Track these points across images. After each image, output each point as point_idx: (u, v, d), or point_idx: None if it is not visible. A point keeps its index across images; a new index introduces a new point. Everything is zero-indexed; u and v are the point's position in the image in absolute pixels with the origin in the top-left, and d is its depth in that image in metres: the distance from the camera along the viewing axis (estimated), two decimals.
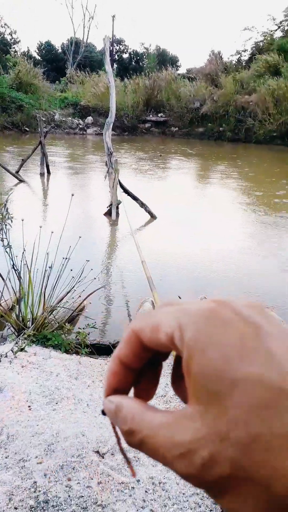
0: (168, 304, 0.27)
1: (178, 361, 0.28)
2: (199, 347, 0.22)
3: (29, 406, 1.95)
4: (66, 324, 2.83)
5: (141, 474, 1.64)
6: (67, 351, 2.63)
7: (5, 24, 36.82)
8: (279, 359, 0.21)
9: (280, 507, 0.20)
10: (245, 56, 27.84)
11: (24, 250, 2.59)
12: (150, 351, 0.27)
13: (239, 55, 27.93)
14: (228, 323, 0.23)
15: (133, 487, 1.57)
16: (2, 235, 2.41)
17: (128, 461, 0.30)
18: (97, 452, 1.72)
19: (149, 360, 0.28)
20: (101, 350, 2.90)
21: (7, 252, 2.47)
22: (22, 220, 2.55)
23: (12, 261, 2.50)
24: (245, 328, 0.23)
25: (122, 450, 0.30)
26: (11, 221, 2.49)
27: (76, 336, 2.81)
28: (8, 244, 2.43)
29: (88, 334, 2.86)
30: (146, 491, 1.56)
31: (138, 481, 1.60)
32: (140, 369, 0.29)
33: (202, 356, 0.22)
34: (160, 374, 0.30)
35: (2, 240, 2.42)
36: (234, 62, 26.74)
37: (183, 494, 1.58)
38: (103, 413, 0.28)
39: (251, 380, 0.21)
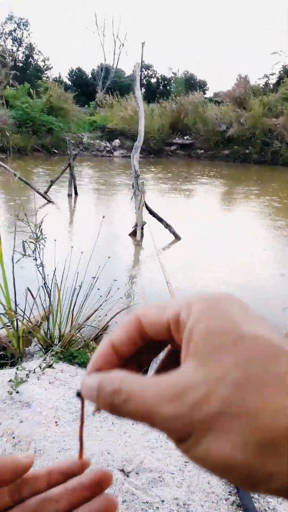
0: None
1: (168, 356, 0.30)
2: (207, 313, 0.24)
3: (56, 422, 2.00)
4: (92, 342, 2.88)
5: (165, 495, 1.65)
6: None
7: (39, 51, 38.48)
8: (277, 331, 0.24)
9: (263, 440, 0.20)
10: (273, 80, 28.11)
11: (55, 269, 2.68)
12: (145, 339, 0.28)
13: (266, 79, 28.23)
14: (234, 303, 0.25)
15: (158, 507, 1.58)
16: (36, 254, 2.51)
17: (81, 445, 0.32)
18: (122, 470, 1.74)
19: (137, 356, 0.30)
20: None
21: (39, 271, 2.56)
22: (55, 240, 2.65)
23: (44, 279, 2.59)
24: (248, 307, 0.26)
25: (81, 435, 0.32)
26: (44, 241, 2.59)
27: None
28: (41, 263, 2.52)
29: None
30: (170, 511, 1.57)
31: (163, 501, 1.61)
32: (126, 361, 0.29)
33: (210, 319, 0.24)
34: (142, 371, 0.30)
35: (35, 260, 2.52)
36: (261, 85, 27.01)
37: (208, 483, 1.58)
38: (78, 395, 0.29)
39: (253, 336, 0.23)
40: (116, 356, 0.29)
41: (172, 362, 0.30)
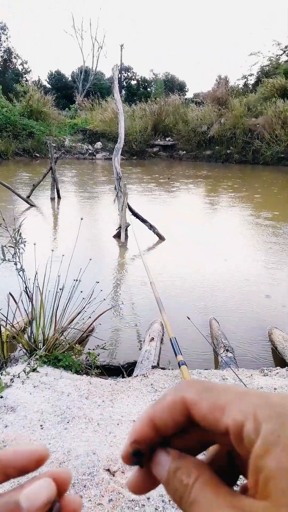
0: (236, 385, 0.25)
1: (222, 456, 0.27)
2: (282, 442, 0.21)
3: (41, 425, 2.00)
4: (76, 345, 2.88)
5: (151, 492, 1.66)
6: (77, 372, 2.68)
7: (17, 55, 38.18)
8: None
9: None
10: (251, 80, 28.50)
11: (36, 273, 2.68)
12: (195, 425, 0.25)
13: (245, 79, 28.59)
14: None
15: (144, 505, 1.60)
16: (16, 259, 2.50)
17: None
18: (108, 470, 1.75)
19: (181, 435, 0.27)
20: (111, 370, 2.94)
21: (20, 275, 2.55)
22: (34, 244, 2.65)
23: (25, 284, 2.59)
24: None
25: None
26: (24, 245, 2.58)
27: (86, 357, 2.86)
28: (21, 268, 2.52)
29: (98, 355, 2.91)
30: (156, 509, 1.59)
31: (148, 498, 1.63)
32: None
33: (285, 452, 0.21)
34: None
35: (16, 264, 2.51)
36: (240, 86, 27.34)
37: None
38: (135, 462, 0.27)
39: None
40: (156, 433, 0.27)
41: (224, 459, 0.27)
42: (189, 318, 3.24)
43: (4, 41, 36.91)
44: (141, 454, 0.27)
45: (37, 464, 0.28)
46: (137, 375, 2.64)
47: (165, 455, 0.26)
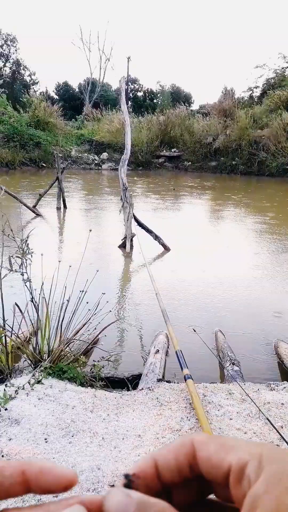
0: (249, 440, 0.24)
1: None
2: (283, 484, 0.21)
3: (45, 439, 1.97)
4: (81, 356, 2.86)
5: None
6: (82, 384, 2.65)
7: (25, 67, 38.75)
8: None
9: None
10: (257, 93, 28.68)
11: (43, 283, 2.67)
12: (194, 473, 0.25)
13: (251, 92, 28.79)
14: None
15: None
16: (23, 269, 2.50)
17: None
18: (113, 486, 1.72)
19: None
20: (116, 383, 2.91)
21: (26, 286, 2.55)
22: (42, 254, 2.65)
23: (31, 294, 2.58)
24: None
25: None
26: (31, 256, 2.58)
27: (91, 369, 2.84)
28: (28, 278, 2.52)
29: (103, 367, 2.89)
30: None
31: None
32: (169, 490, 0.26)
33: (284, 493, 0.20)
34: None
35: (23, 275, 2.51)
36: (246, 98, 27.52)
37: None
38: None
39: None
40: (158, 480, 0.25)
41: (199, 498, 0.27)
42: (195, 331, 3.22)
43: (13, 53, 37.51)
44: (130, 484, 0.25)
45: (64, 489, 0.26)
46: (142, 388, 2.61)
47: (126, 493, 0.23)
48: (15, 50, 37.59)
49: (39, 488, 0.26)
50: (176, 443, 0.25)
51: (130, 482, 0.25)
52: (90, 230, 3.22)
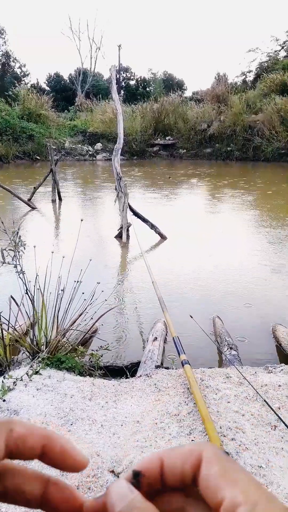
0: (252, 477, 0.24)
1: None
2: None
3: (44, 428, 1.99)
4: (79, 346, 2.88)
5: None
6: (80, 374, 2.67)
7: (15, 59, 38.27)
8: None
9: None
10: (250, 77, 28.46)
11: (37, 275, 2.67)
12: (195, 485, 0.25)
13: (244, 76, 28.55)
14: None
15: None
16: (16, 261, 2.50)
17: None
18: (112, 471, 1.74)
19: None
20: (114, 371, 2.93)
21: (20, 278, 2.55)
22: (34, 246, 2.64)
23: (26, 286, 2.58)
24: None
25: None
26: (24, 248, 2.58)
27: (90, 358, 2.85)
28: (21, 270, 2.51)
29: (101, 356, 2.90)
30: None
31: None
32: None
33: None
34: None
35: (16, 267, 2.51)
36: (239, 83, 27.30)
37: None
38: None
39: None
40: (160, 481, 0.26)
41: None
42: (192, 317, 3.23)
43: (2, 45, 37.02)
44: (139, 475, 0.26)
45: (73, 472, 0.28)
46: (140, 375, 2.63)
47: (131, 490, 0.24)
48: (4, 42, 37.11)
49: (52, 464, 0.28)
50: (185, 450, 0.25)
51: (137, 482, 0.25)
52: (82, 220, 3.21)
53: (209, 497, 0.23)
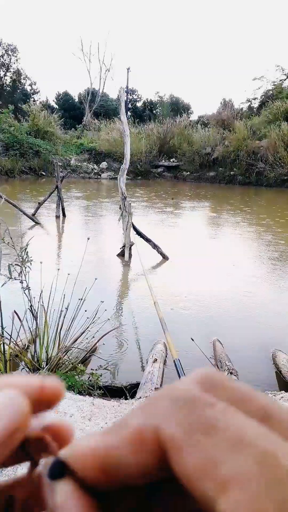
0: (242, 423, 0.17)
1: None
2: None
3: None
4: (79, 365, 2.87)
5: None
6: (80, 392, 2.65)
7: (26, 77, 39.08)
8: None
9: None
10: (255, 104, 29.00)
11: (42, 291, 2.69)
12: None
13: (249, 103, 29.10)
14: None
15: None
16: (22, 277, 2.52)
17: None
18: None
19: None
20: (114, 391, 2.91)
21: (25, 294, 2.56)
22: (41, 263, 2.67)
23: (30, 302, 2.59)
24: None
25: None
26: (30, 264, 2.60)
27: (89, 377, 2.84)
28: (27, 286, 2.53)
29: (101, 376, 2.89)
30: None
31: None
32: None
33: None
34: None
35: (22, 283, 2.52)
36: (244, 109, 27.81)
37: None
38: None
39: None
40: (105, 477, 0.18)
41: None
42: (193, 340, 3.22)
43: (14, 63, 37.85)
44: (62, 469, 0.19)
45: (49, 400, 0.22)
46: (140, 397, 2.61)
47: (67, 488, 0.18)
48: (16, 60, 37.94)
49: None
50: (132, 432, 0.18)
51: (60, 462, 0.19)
52: (88, 238, 3.24)
53: (199, 500, 0.16)
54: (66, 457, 0.19)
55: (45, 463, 0.19)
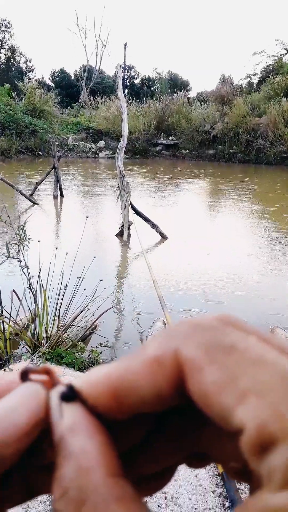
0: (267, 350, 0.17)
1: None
2: None
3: None
4: (79, 342, 2.89)
5: None
6: (80, 369, 2.69)
7: (21, 53, 38.22)
8: None
9: None
10: (255, 80, 28.47)
11: (40, 270, 2.69)
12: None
13: (249, 79, 28.57)
14: None
15: (146, 501, 1.60)
16: (20, 256, 2.51)
17: None
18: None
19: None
20: None
21: (24, 272, 2.57)
22: (39, 241, 2.66)
23: (29, 281, 2.60)
24: None
25: None
26: (28, 243, 2.59)
27: (89, 354, 2.87)
28: (25, 264, 2.53)
29: (101, 353, 2.92)
30: (158, 505, 1.59)
31: (151, 495, 1.64)
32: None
33: None
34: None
35: (20, 261, 2.52)
36: (244, 85, 27.32)
37: (195, 509, 1.61)
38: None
39: None
40: (119, 408, 0.18)
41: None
42: (192, 317, 3.25)
43: (8, 39, 36.96)
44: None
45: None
46: None
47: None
48: (10, 36, 37.05)
49: None
50: (150, 360, 0.17)
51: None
52: (87, 217, 3.22)
53: (215, 419, 0.16)
54: (77, 383, 0.19)
55: (55, 389, 0.19)
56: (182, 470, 1.77)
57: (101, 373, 0.18)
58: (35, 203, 9.28)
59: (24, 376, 0.20)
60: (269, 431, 0.14)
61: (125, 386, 0.17)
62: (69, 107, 28.69)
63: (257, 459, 0.15)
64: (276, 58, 27.21)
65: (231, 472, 0.19)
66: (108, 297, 3.02)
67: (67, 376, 2.45)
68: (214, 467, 1.80)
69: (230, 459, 0.19)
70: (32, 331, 2.75)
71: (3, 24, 36.09)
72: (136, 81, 41.72)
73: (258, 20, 75.42)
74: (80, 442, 0.16)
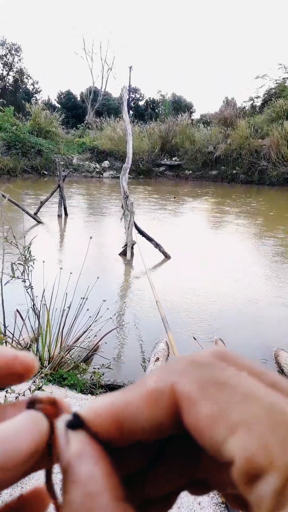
0: (259, 387, 0.18)
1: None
2: None
3: None
4: (82, 363, 2.87)
5: None
6: (82, 391, 2.66)
7: (28, 76, 39.09)
8: None
9: None
10: (258, 102, 28.94)
11: (44, 290, 2.69)
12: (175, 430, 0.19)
13: (252, 101, 29.04)
14: None
15: None
16: (25, 276, 2.52)
17: None
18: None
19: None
20: (115, 390, 2.91)
21: (28, 292, 2.57)
22: (43, 262, 2.67)
23: (33, 301, 2.60)
24: None
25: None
26: (33, 263, 2.60)
27: (91, 376, 2.85)
28: (30, 285, 2.54)
29: (103, 374, 2.89)
30: None
31: None
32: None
33: None
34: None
35: (24, 281, 2.53)
36: (247, 107, 27.75)
37: (199, 503, 1.57)
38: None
39: None
40: (121, 436, 0.19)
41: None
42: (195, 339, 3.23)
43: (17, 62, 37.84)
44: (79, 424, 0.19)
45: (21, 373, 0.22)
46: None
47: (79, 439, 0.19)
48: (19, 59, 37.94)
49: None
50: (149, 391, 0.19)
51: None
52: (91, 237, 3.24)
53: (208, 449, 0.17)
54: (82, 412, 0.20)
55: (61, 418, 0.20)
56: (185, 498, 1.73)
57: (104, 403, 0.19)
58: (39, 222, 9.35)
59: (31, 405, 0.21)
60: (256, 462, 0.16)
61: (126, 416, 0.18)
62: (74, 128, 29.16)
63: (247, 488, 0.16)
64: (278, 82, 27.71)
65: (229, 500, 0.20)
66: (111, 318, 3.02)
67: (69, 398, 2.43)
68: (217, 495, 1.77)
69: (227, 486, 0.20)
70: (35, 352, 2.74)
71: (13, 48, 37.02)
72: (141, 103, 42.47)
73: (261, 44, 77.21)
74: (86, 467, 0.17)
